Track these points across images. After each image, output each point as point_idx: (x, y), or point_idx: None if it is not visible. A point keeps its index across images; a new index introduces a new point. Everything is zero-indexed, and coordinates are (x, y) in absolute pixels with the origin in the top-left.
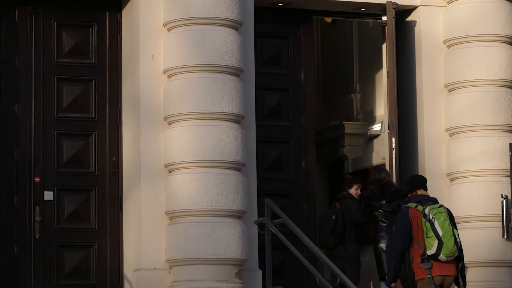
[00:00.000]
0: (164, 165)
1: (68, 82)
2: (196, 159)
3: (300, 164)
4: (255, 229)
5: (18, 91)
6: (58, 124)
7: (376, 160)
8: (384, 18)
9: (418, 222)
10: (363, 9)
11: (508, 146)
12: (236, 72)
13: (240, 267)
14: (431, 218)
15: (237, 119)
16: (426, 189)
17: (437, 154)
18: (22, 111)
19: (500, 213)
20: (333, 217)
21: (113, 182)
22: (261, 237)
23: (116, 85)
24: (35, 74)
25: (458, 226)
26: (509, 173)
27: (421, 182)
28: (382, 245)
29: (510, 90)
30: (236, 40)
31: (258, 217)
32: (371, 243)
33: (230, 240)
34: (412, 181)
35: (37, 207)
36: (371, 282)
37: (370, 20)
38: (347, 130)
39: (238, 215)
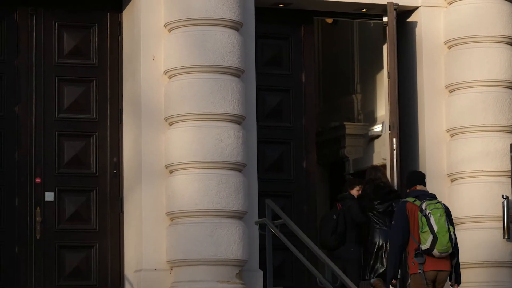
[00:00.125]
0: (165, 165)
1: (69, 83)
2: (197, 159)
3: (301, 165)
4: (256, 229)
5: (19, 91)
6: (59, 125)
7: (377, 161)
8: (385, 18)
9: (415, 216)
10: (364, 10)
11: (509, 146)
12: (237, 72)
13: (241, 267)
14: (427, 213)
15: (238, 120)
16: (425, 185)
17: (438, 155)
18: (23, 111)
19: (501, 213)
20: (334, 217)
21: (114, 183)
22: (262, 237)
23: (117, 86)
24: (36, 74)
25: (459, 226)
26: (509, 174)
27: (420, 177)
28: (376, 242)
29: (510, 90)
30: (237, 40)
31: (259, 218)
32: None
33: (231, 241)
34: (411, 177)
35: (38, 207)
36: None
37: (371, 21)
38: (348, 131)
39: (239, 216)
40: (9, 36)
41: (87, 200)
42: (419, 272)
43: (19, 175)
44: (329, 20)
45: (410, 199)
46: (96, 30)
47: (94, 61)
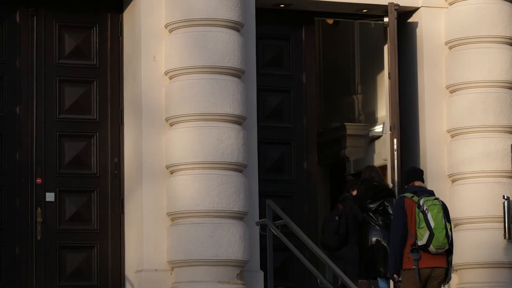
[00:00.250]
0: (165, 166)
1: (69, 84)
2: (198, 160)
3: (301, 165)
4: (256, 230)
5: (20, 92)
6: (59, 125)
7: (377, 162)
8: (386, 19)
9: (412, 212)
10: (365, 11)
11: (509, 147)
12: (238, 73)
13: (241, 268)
14: (424, 209)
15: (239, 121)
16: (423, 181)
17: (438, 155)
18: (23, 112)
19: (502, 214)
20: (337, 218)
21: (114, 184)
22: (262, 238)
23: (118, 87)
24: (37, 75)
25: (459, 227)
26: (510, 174)
27: (418, 173)
28: (373, 239)
29: (511, 91)
30: (238, 41)
31: (260, 218)
32: None
33: (231, 242)
34: (409, 173)
35: (39, 208)
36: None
37: (372, 22)
38: (348, 132)
39: (240, 216)
40: (10, 37)
41: (88, 201)
42: (413, 268)
43: (20, 176)
44: (330, 21)
45: (408, 195)
46: (97, 31)
47: (95, 62)
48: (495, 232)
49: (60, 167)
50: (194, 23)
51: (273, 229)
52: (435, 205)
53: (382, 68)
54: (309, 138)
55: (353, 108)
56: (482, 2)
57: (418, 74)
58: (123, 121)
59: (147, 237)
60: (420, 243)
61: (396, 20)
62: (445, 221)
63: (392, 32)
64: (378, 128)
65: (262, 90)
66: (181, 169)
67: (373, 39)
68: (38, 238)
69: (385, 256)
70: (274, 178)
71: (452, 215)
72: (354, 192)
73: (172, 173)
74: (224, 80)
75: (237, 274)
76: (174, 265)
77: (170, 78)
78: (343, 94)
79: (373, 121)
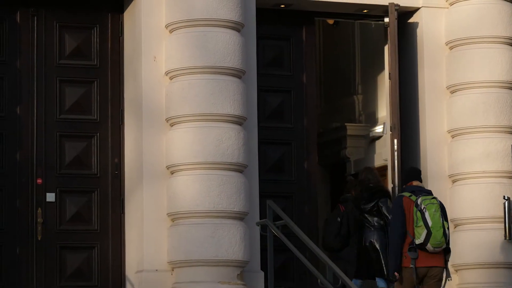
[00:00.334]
0: (166, 166)
1: (70, 84)
2: (198, 160)
3: (302, 166)
4: (257, 230)
5: (20, 92)
6: (60, 126)
7: (378, 162)
8: (386, 19)
9: (410, 211)
10: (365, 11)
11: (510, 147)
12: (238, 73)
13: (242, 268)
14: (422, 208)
15: (239, 121)
16: (420, 181)
17: (439, 156)
18: (24, 112)
19: (502, 214)
20: (339, 219)
21: (115, 184)
22: (263, 238)
23: (118, 87)
24: (37, 75)
25: (460, 227)
26: (511, 175)
27: (416, 173)
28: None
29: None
30: (238, 41)
31: (260, 219)
32: None
33: (232, 242)
34: (407, 173)
35: (39, 208)
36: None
37: (372, 22)
38: (349, 132)
39: (240, 217)
40: (10, 37)
41: (89, 201)
42: (411, 267)
43: (20, 176)
44: (330, 21)
45: (406, 194)
46: (97, 31)
47: (95, 62)
48: (496, 233)
49: (60, 167)
50: (195, 23)
51: (273, 229)
52: (433, 204)
53: (383, 68)
54: (310, 138)
55: (354, 108)
56: (483, 3)
57: (418, 74)
58: (123, 122)
59: (148, 237)
60: (417, 241)
61: (396, 20)
62: (442, 220)
63: (392, 33)
64: (378, 129)
65: (263, 90)
66: (182, 170)
67: (374, 39)
68: (39, 239)
69: (377, 258)
70: (274, 179)
71: (452, 215)
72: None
73: (172, 173)
74: (224, 80)
75: (238, 274)
76: (175, 265)
77: (171, 78)
78: (344, 95)
79: (374, 122)
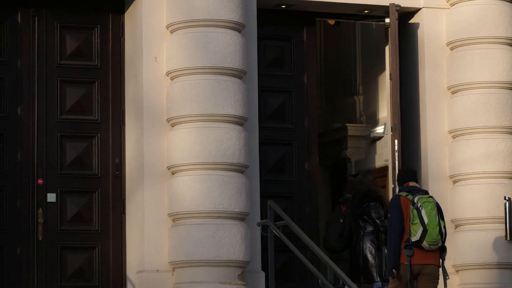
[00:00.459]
0: (167, 167)
1: (71, 84)
2: (199, 161)
3: (303, 166)
4: (257, 231)
5: (21, 93)
6: (61, 126)
7: (379, 162)
8: (387, 20)
9: (407, 209)
10: (366, 11)
11: (511, 148)
12: (239, 74)
13: (243, 269)
14: (419, 206)
15: (240, 121)
16: (416, 181)
17: (440, 156)
18: (25, 113)
19: (503, 215)
20: (341, 220)
21: (116, 184)
22: (263, 239)
23: (119, 87)
24: (38, 76)
25: (460, 228)
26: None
27: (412, 174)
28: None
29: None
30: (239, 42)
31: (261, 219)
32: None
33: (233, 242)
34: (403, 174)
35: (40, 209)
36: None
37: (373, 22)
38: (350, 132)
39: (241, 217)
40: (11, 37)
41: (89, 201)
42: (406, 264)
43: (21, 176)
44: (331, 22)
45: (403, 193)
46: (98, 32)
47: (96, 63)
48: (496, 233)
49: (61, 167)
50: (196, 23)
51: (274, 230)
52: (429, 202)
53: (383, 69)
54: (311, 139)
55: (355, 109)
56: (484, 3)
57: (419, 75)
58: (124, 122)
59: (148, 237)
60: (413, 239)
61: (397, 21)
62: (438, 218)
63: (393, 33)
64: (379, 129)
65: (264, 90)
66: (183, 170)
67: (375, 40)
68: (40, 239)
69: (364, 263)
70: (275, 179)
71: (453, 216)
72: None
73: (173, 173)
74: (225, 80)
75: (239, 274)
76: (176, 265)
77: (172, 78)
78: (345, 95)
79: (374, 122)
